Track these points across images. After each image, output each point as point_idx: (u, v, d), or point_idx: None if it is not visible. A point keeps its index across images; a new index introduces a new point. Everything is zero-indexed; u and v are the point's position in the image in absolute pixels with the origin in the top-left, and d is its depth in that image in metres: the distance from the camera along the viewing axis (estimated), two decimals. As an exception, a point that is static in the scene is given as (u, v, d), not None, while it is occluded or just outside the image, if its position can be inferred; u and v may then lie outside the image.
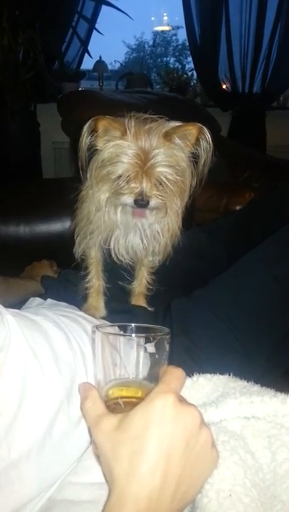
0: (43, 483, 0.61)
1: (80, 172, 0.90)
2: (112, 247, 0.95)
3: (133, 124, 0.82)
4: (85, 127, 0.83)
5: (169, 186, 0.84)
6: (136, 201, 0.83)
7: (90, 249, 1.01)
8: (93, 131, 0.83)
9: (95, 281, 1.03)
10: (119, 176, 0.83)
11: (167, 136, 0.82)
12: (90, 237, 0.96)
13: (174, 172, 0.83)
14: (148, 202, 0.83)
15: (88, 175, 0.88)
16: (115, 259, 0.98)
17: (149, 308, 1.07)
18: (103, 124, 0.82)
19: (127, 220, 0.90)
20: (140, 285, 1.07)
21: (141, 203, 0.83)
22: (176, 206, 0.91)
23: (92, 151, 0.86)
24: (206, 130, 0.84)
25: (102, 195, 0.88)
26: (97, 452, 0.56)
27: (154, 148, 0.81)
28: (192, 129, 0.84)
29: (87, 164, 0.88)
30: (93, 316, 0.98)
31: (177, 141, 0.83)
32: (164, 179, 0.83)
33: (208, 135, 0.84)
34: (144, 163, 0.80)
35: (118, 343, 0.61)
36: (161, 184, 0.83)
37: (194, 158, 0.87)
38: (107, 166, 0.84)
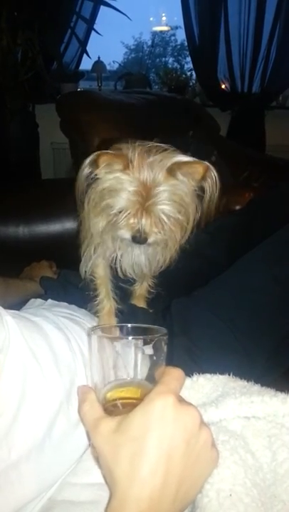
0: (43, 483, 0.61)
1: (77, 202, 0.87)
2: (117, 264, 0.93)
3: (136, 155, 0.78)
4: (86, 161, 0.80)
5: (170, 223, 0.81)
6: (133, 237, 0.81)
7: (98, 268, 0.97)
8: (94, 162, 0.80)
9: (106, 302, 0.98)
10: (118, 211, 0.80)
11: (171, 171, 0.79)
12: (95, 254, 0.93)
13: (177, 209, 0.81)
14: (146, 239, 0.81)
15: (85, 204, 0.85)
16: (121, 275, 0.95)
17: (150, 310, 1.07)
18: (105, 159, 0.78)
19: (127, 253, 0.89)
20: (142, 288, 1.07)
21: (138, 240, 0.81)
22: (177, 240, 0.89)
23: (92, 178, 0.83)
24: (212, 169, 0.81)
25: (99, 227, 0.86)
26: (95, 455, 0.56)
27: (156, 185, 0.77)
28: (199, 168, 0.80)
29: (85, 193, 0.85)
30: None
31: (181, 177, 0.80)
32: (164, 218, 0.80)
33: (215, 174, 0.81)
34: (145, 200, 0.77)
35: (115, 344, 0.60)
36: (160, 223, 0.81)
37: (200, 191, 0.84)
38: (105, 199, 0.81)
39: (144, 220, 0.79)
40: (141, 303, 1.08)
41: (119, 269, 0.94)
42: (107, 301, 0.98)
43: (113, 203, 0.79)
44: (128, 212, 0.79)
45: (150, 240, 0.81)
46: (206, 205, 0.85)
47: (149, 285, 1.06)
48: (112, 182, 0.79)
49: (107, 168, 0.80)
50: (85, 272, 0.96)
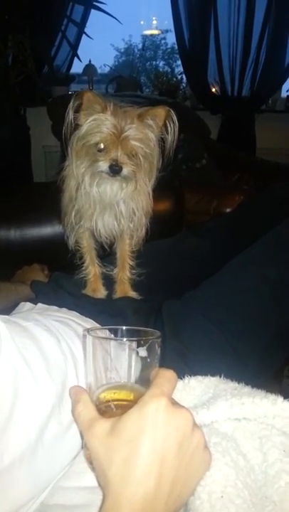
0: (36, 487, 0.61)
1: (64, 148, 1.00)
2: (93, 227, 1.05)
3: (112, 104, 0.94)
4: (70, 104, 0.94)
5: (139, 160, 0.95)
6: (110, 166, 0.92)
7: (82, 239, 1.11)
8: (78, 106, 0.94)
9: (91, 267, 1.12)
10: (97, 144, 0.93)
11: (140, 117, 0.94)
12: (77, 225, 1.06)
13: (145, 144, 0.95)
14: (121, 168, 0.92)
15: (69, 148, 0.98)
16: (97, 237, 1.08)
17: (139, 298, 1.10)
18: (88, 96, 0.93)
19: (103, 191, 0.98)
20: (122, 270, 1.12)
21: (115, 168, 0.92)
22: (145, 184, 1.01)
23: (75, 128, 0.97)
24: (173, 112, 0.96)
25: (81, 168, 0.97)
26: (88, 456, 0.56)
27: (129, 124, 0.92)
28: (161, 111, 0.96)
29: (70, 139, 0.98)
30: (95, 296, 1.07)
31: (149, 121, 0.95)
32: (135, 148, 0.93)
33: (174, 116, 0.96)
34: (119, 134, 0.91)
35: (109, 346, 0.61)
36: (133, 157, 0.94)
37: (162, 142, 0.99)
38: (86, 138, 0.94)
39: (119, 152, 0.92)
40: (126, 289, 1.11)
41: (95, 233, 1.07)
42: (92, 266, 1.12)
43: (93, 138, 0.93)
44: (105, 144, 0.92)
45: (124, 170, 0.93)
46: (169, 145, 0.99)
47: (130, 265, 1.12)
48: (92, 123, 0.93)
49: (88, 109, 0.94)
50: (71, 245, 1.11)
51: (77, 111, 0.94)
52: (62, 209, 1.07)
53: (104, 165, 0.93)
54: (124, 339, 0.62)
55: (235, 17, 3.62)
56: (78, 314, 0.96)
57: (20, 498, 0.58)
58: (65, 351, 0.74)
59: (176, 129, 0.97)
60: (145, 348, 0.59)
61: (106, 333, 0.67)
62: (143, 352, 0.59)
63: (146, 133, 0.95)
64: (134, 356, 0.60)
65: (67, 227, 1.08)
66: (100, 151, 0.93)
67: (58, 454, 0.66)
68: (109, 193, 0.99)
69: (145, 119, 0.95)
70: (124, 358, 0.61)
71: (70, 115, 0.94)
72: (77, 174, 0.99)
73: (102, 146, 0.93)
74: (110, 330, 0.66)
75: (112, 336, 0.65)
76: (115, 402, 0.58)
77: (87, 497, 0.59)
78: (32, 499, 0.61)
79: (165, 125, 0.97)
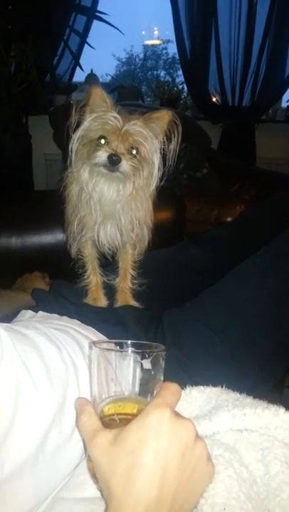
0: (36, 497, 0.61)
1: (66, 153, 0.99)
2: (95, 237, 1.05)
3: (118, 107, 0.96)
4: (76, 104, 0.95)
5: (139, 161, 0.95)
6: (109, 157, 0.91)
7: (84, 248, 1.11)
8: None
9: (93, 277, 1.12)
10: (98, 139, 0.93)
11: (144, 119, 0.96)
12: (80, 234, 1.06)
13: (146, 145, 0.94)
14: (120, 159, 0.91)
15: (70, 147, 0.97)
16: (100, 248, 1.08)
17: (140, 306, 1.10)
18: (97, 91, 0.94)
19: (101, 191, 0.98)
20: (124, 280, 1.12)
21: (114, 159, 0.91)
22: (144, 193, 1.01)
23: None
24: (176, 116, 0.96)
25: (81, 166, 0.97)
26: (91, 467, 0.55)
27: (132, 121, 0.93)
28: (165, 114, 0.97)
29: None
30: (95, 305, 1.07)
31: (153, 125, 0.96)
32: (136, 148, 0.94)
33: (178, 120, 0.97)
34: (121, 128, 0.92)
35: (114, 359, 0.61)
36: (133, 156, 0.94)
37: (164, 153, 0.99)
38: (88, 133, 0.95)
39: (119, 144, 0.92)
40: (127, 298, 1.10)
41: (97, 243, 1.07)
42: (93, 276, 1.12)
43: (96, 133, 0.93)
44: (107, 137, 0.92)
45: (123, 162, 0.92)
46: (172, 149, 0.99)
47: (132, 276, 1.12)
48: (95, 118, 0.94)
49: (94, 105, 0.95)
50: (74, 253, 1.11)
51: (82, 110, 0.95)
52: (66, 219, 1.07)
53: (103, 155, 0.92)
54: (129, 351, 0.62)
55: (236, 28, 3.65)
56: (79, 322, 0.96)
57: (20, 508, 0.58)
58: (66, 360, 0.74)
59: (180, 131, 0.96)
60: (149, 360, 0.59)
61: (111, 347, 0.67)
62: (147, 364, 0.59)
63: (149, 133, 0.95)
64: (138, 369, 0.60)
65: (70, 236, 1.08)
66: (100, 145, 0.93)
67: (59, 463, 0.65)
68: (107, 195, 0.98)
69: (149, 122, 0.95)
70: (128, 371, 0.61)
71: (77, 112, 0.95)
72: (77, 174, 0.98)
73: (103, 141, 0.93)
74: (116, 343, 0.66)
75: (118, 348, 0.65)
76: (120, 416, 0.58)
77: (88, 508, 0.58)
78: (32, 509, 0.60)
79: (168, 131, 0.97)
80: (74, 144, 0.97)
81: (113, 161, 0.91)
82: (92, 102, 0.95)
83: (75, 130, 0.96)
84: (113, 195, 0.98)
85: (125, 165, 0.93)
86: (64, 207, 1.06)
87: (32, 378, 0.64)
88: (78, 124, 0.96)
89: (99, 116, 0.93)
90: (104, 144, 0.93)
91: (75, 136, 0.96)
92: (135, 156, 0.94)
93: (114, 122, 0.92)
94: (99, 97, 0.94)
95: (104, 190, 0.98)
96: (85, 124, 0.94)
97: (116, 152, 0.91)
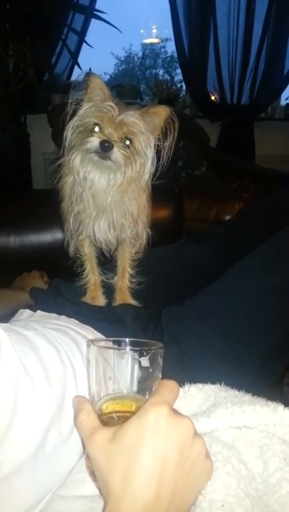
0: (35, 497, 0.61)
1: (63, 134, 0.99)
2: (90, 234, 1.05)
3: (116, 99, 0.95)
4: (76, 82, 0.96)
5: (131, 150, 0.94)
6: (101, 143, 0.90)
7: (82, 247, 1.11)
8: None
9: (91, 275, 1.12)
10: (93, 126, 0.92)
11: (142, 113, 0.95)
12: (76, 232, 1.06)
13: (139, 132, 0.94)
14: (112, 146, 0.91)
15: (65, 133, 0.97)
16: (97, 245, 1.08)
17: (138, 305, 1.10)
18: (96, 81, 0.94)
19: (92, 180, 0.97)
20: (122, 279, 1.11)
21: (106, 145, 0.90)
22: (136, 188, 1.00)
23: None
24: (174, 113, 0.96)
25: (75, 156, 0.97)
26: (90, 465, 0.55)
27: (127, 110, 0.93)
28: (162, 110, 0.96)
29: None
30: (94, 304, 1.07)
31: (149, 119, 0.95)
32: (130, 137, 0.93)
33: (175, 117, 0.96)
34: (116, 116, 0.91)
35: (113, 357, 0.61)
36: (127, 147, 0.93)
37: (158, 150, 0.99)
38: (83, 121, 0.94)
39: (113, 131, 0.91)
40: (126, 297, 1.10)
41: (93, 239, 1.06)
42: (92, 275, 1.12)
43: (90, 120, 0.93)
44: (101, 123, 0.92)
45: (115, 149, 0.91)
46: (167, 147, 0.98)
47: (130, 274, 1.12)
48: (91, 106, 0.94)
49: (91, 94, 0.94)
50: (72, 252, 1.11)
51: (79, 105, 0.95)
52: (62, 216, 1.07)
53: (95, 141, 0.91)
54: (127, 349, 0.62)
55: (235, 26, 3.65)
56: (77, 322, 0.96)
57: (19, 507, 0.58)
58: (64, 361, 0.74)
59: (176, 128, 0.96)
60: (148, 358, 0.59)
61: (109, 345, 0.67)
62: (145, 362, 0.59)
63: (144, 126, 0.94)
64: (136, 367, 0.60)
65: (67, 234, 1.08)
66: (94, 131, 0.93)
67: (58, 463, 0.65)
68: (98, 185, 0.97)
69: (146, 115, 0.95)
70: (126, 369, 0.61)
71: (75, 96, 0.96)
72: (70, 162, 0.98)
73: (96, 128, 0.92)
74: (114, 341, 0.66)
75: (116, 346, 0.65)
76: (118, 414, 0.58)
77: (86, 506, 0.58)
78: (31, 508, 0.60)
79: (164, 128, 0.97)
80: (68, 132, 0.96)
81: (105, 148, 0.91)
82: (90, 91, 0.95)
83: (70, 120, 0.96)
84: (104, 185, 0.98)
85: (117, 153, 0.92)
86: (60, 201, 1.06)
87: (31, 379, 0.64)
88: (74, 114, 0.96)
89: (95, 104, 0.93)
90: (97, 131, 0.92)
91: (70, 124, 0.96)
92: (128, 147, 0.94)
93: (110, 111, 0.91)
94: (98, 85, 0.94)
95: (96, 179, 0.97)
96: (81, 111, 0.94)
97: (109, 139, 0.91)
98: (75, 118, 0.95)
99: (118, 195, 0.99)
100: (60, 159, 1.03)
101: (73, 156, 0.97)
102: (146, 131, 0.95)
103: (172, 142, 0.97)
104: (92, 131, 0.93)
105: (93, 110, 0.93)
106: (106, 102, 0.92)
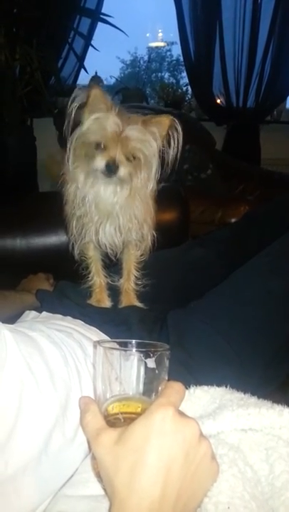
0: (40, 497, 0.61)
1: (67, 143, 0.98)
2: (93, 238, 1.05)
3: (117, 108, 0.93)
4: (78, 91, 0.94)
5: (138, 165, 0.94)
6: (107, 165, 0.90)
7: (87, 250, 1.10)
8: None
9: (97, 278, 1.11)
10: (97, 143, 0.91)
11: (144, 123, 0.94)
12: (80, 235, 1.05)
13: (144, 147, 0.93)
14: (118, 167, 0.90)
15: (68, 147, 0.96)
16: (101, 248, 1.08)
17: (144, 307, 1.10)
18: (95, 92, 0.92)
19: (97, 193, 0.97)
20: (128, 281, 1.11)
21: (111, 167, 0.90)
22: (143, 193, 1.00)
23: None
24: (177, 122, 0.95)
25: (79, 173, 0.97)
26: (95, 466, 0.55)
27: (131, 125, 0.91)
28: (165, 120, 0.95)
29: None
30: (99, 306, 1.07)
31: (152, 129, 0.94)
32: (134, 153, 0.92)
33: (178, 126, 0.95)
34: (120, 133, 0.90)
35: (119, 358, 0.61)
36: (131, 161, 0.93)
37: (163, 155, 0.98)
38: (86, 135, 0.93)
39: (118, 151, 0.90)
40: (131, 299, 1.10)
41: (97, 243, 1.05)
42: (97, 277, 1.12)
43: (94, 137, 0.91)
44: (106, 143, 0.90)
45: (121, 170, 0.91)
46: (171, 155, 0.97)
47: (136, 277, 1.11)
48: (95, 121, 0.92)
49: (93, 105, 0.92)
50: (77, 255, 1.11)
51: (81, 108, 0.94)
52: (66, 219, 1.07)
53: (100, 162, 0.91)
54: (134, 350, 0.62)
55: (241, 29, 3.66)
56: (82, 323, 0.96)
57: (24, 507, 0.58)
58: (69, 363, 0.74)
59: (180, 139, 0.95)
60: (154, 359, 0.59)
61: (116, 346, 0.67)
62: (151, 363, 0.59)
63: (148, 138, 0.94)
64: (142, 368, 0.60)
65: (71, 237, 1.08)
66: (98, 149, 0.92)
67: (62, 464, 0.65)
68: (103, 196, 0.97)
69: (149, 125, 0.94)
70: (132, 370, 0.61)
71: (75, 106, 0.93)
72: (73, 174, 0.97)
73: (102, 145, 0.91)
74: (120, 343, 0.66)
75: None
76: (124, 415, 0.58)
77: (91, 505, 0.58)
78: (36, 507, 0.60)
79: (168, 136, 0.96)
80: (72, 144, 0.96)
81: (110, 169, 0.91)
82: (91, 103, 0.93)
83: (72, 129, 0.96)
84: (110, 197, 0.98)
85: (123, 171, 0.92)
86: (64, 204, 1.06)
87: (36, 379, 0.64)
88: (77, 123, 0.95)
89: (98, 118, 0.92)
90: (102, 149, 0.92)
91: (74, 136, 0.95)
92: (134, 159, 0.94)
93: (113, 128, 0.90)
94: (98, 97, 0.92)
95: (101, 191, 0.97)
96: (85, 124, 0.93)
97: (114, 161, 0.90)
98: (78, 130, 0.94)
99: (125, 202, 0.99)
100: (64, 167, 1.02)
101: (78, 173, 0.97)
102: (150, 142, 0.94)
103: (176, 151, 0.97)
104: (96, 148, 0.92)
105: (96, 127, 0.92)
106: (109, 116, 0.91)
